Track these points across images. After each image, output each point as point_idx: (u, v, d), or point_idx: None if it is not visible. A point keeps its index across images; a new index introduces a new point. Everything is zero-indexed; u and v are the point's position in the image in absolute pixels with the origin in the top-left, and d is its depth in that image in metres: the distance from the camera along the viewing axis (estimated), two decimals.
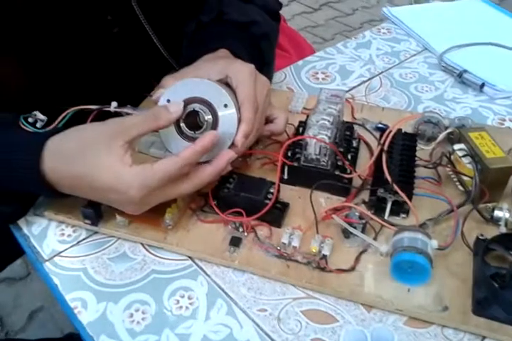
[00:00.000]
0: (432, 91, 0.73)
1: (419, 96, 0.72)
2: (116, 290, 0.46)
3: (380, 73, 0.77)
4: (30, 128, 0.48)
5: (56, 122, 0.50)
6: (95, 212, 0.49)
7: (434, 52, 0.81)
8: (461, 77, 0.75)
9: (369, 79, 0.75)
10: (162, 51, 0.67)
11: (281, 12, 0.75)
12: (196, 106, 0.47)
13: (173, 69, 0.70)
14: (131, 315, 0.44)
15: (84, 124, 0.46)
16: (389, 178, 0.48)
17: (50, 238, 0.51)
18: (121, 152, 0.42)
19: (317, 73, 0.76)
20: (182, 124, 0.47)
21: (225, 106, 0.46)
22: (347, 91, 0.72)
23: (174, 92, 0.47)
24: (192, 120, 0.47)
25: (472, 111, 0.70)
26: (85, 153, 0.42)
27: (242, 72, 0.48)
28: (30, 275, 1.37)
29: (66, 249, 0.49)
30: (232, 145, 0.47)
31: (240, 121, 0.47)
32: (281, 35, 1.07)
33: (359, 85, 0.74)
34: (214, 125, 0.47)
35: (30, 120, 0.50)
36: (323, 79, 0.75)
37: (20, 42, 0.55)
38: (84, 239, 0.50)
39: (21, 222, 0.52)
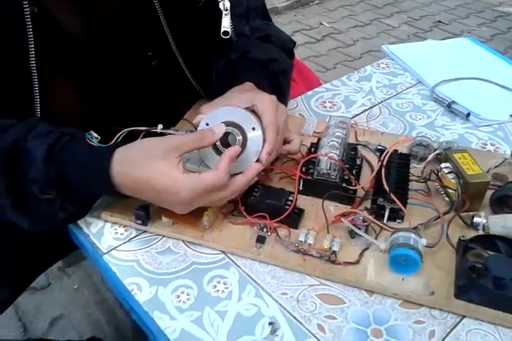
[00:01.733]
0: (425, 119, 0.85)
1: (413, 123, 0.84)
2: (165, 277, 0.56)
3: (380, 103, 0.88)
4: (95, 143, 0.59)
5: (114, 139, 0.61)
6: (146, 214, 0.60)
7: (427, 85, 0.93)
8: (449, 107, 0.87)
9: (370, 107, 0.87)
10: (192, 81, 0.79)
11: None
12: (229, 128, 0.58)
13: (200, 96, 0.82)
14: (178, 296, 0.54)
15: (147, 138, 0.57)
16: (387, 189, 0.59)
17: (106, 236, 0.61)
18: (176, 162, 0.53)
19: (325, 102, 0.88)
20: (218, 143, 0.58)
21: (253, 129, 0.58)
22: (351, 118, 0.83)
23: (212, 117, 0.59)
24: (226, 140, 0.58)
25: (459, 137, 0.81)
26: (147, 161, 0.53)
27: (266, 101, 0.60)
28: (51, 285, 1.46)
29: (120, 245, 0.60)
30: (258, 161, 0.58)
31: (264, 141, 0.58)
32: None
33: (361, 113, 0.85)
34: (243, 144, 0.58)
35: (89, 137, 0.61)
36: (330, 107, 0.86)
37: (78, 73, 0.67)
38: (134, 237, 0.61)
39: (81, 223, 0.63)
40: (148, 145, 0.55)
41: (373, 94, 0.91)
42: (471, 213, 0.63)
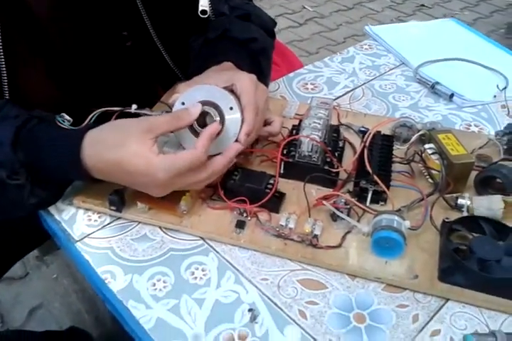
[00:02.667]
0: (408, 100, 0.83)
1: (396, 104, 0.82)
2: (140, 264, 0.54)
3: (363, 84, 0.86)
4: (66, 126, 0.56)
5: (86, 121, 0.58)
6: (120, 199, 0.57)
7: (410, 66, 0.92)
8: (433, 88, 0.85)
9: (352, 89, 0.85)
10: (169, 62, 0.76)
11: None
12: (206, 108, 0.55)
13: (178, 78, 0.79)
14: (154, 284, 0.52)
15: (120, 120, 0.54)
16: (370, 170, 0.58)
17: (79, 223, 0.58)
18: (150, 144, 0.50)
19: (307, 84, 0.85)
20: (195, 124, 0.55)
21: (231, 108, 0.55)
22: (334, 100, 0.81)
23: (188, 96, 0.56)
24: (203, 120, 0.55)
25: (442, 118, 0.79)
26: (120, 143, 0.50)
27: (245, 80, 0.57)
28: (29, 274, 1.42)
29: (94, 232, 0.57)
30: (236, 142, 0.56)
31: (242, 121, 0.55)
32: (274, 52, 1.18)
33: (344, 95, 0.83)
34: (221, 124, 0.55)
35: (60, 120, 0.58)
36: (312, 89, 0.84)
37: (47, 53, 0.64)
38: (108, 224, 0.59)
39: (52, 210, 0.60)
40: (121, 126, 0.53)
41: (356, 76, 0.88)
42: (455, 195, 0.61)
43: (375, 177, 0.58)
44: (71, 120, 0.58)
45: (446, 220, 0.58)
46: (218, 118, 0.54)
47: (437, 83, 0.85)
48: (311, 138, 0.59)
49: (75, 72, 0.66)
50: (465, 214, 0.59)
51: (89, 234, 0.57)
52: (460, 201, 0.60)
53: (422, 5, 3.34)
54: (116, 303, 0.50)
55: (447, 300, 0.52)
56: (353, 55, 0.95)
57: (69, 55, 0.64)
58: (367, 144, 0.61)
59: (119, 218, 0.59)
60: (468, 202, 0.60)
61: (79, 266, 0.55)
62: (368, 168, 0.58)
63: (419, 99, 0.84)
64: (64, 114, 0.58)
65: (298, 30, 3.02)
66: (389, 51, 0.96)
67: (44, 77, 0.65)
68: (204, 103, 0.54)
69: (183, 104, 0.55)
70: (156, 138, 0.51)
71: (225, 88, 0.57)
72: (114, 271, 0.53)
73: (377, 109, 0.80)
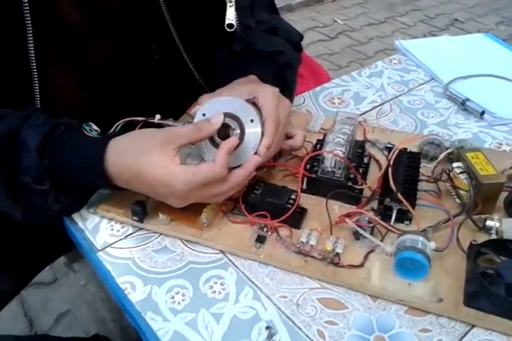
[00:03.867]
0: (437, 117, 0.82)
1: (425, 121, 0.80)
2: (160, 276, 0.54)
3: (390, 100, 0.85)
4: (92, 135, 0.57)
5: (111, 130, 0.59)
6: (142, 210, 0.57)
7: (440, 82, 0.90)
8: (463, 105, 0.83)
9: (380, 104, 0.84)
10: (196, 75, 0.77)
11: None
12: (227, 120, 0.55)
13: (204, 91, 0.80)
14: (173, 297, 0.52)
15: (143, 129, 0.55)
16: (394, 188, 0.57)
17: (102, 232, 0.59)
18: (172, 154, 0.50)
19: (333, 98, 0.85)
20: (215, 136, 0.55)
21: (251, 121, 0.55)
22: (360, 115, 0.80)
23: (209, 108, 0.56)
24: (223, 132, 0.55)
25: (473, 136, 0.78)
26: (143, 152, 0.51)
27: (268, 93, 0.57)
28: (58, 280, 1.45)
29: (116, 242, 0.58)
30: (256, 155, 0.56)
31: (263, 134, 0.55)
32: (301, 66, 1.18)
33: (371, 110, 0.82)
34: (241, 136, 0.55)
35: (87, 128, 0.59)
36: (338, 103, 0.83)
37: (77, 63, 0.65)
38: (130, 234, 0.59)
39: (76, 218, 0.61)
40: (144, 136, 0.53)
41: (384, 91, 0.87)
42: (483, 216, 0.59)
43: (400, 196, 0.57)
44: (98, 130, 0.59)
45: (474, 243, 0.56)
46: (238, 131, 0.54)
47: (468, 100, 0.83)
48: (334, 153, 0.58)
49: (105, 82, 0.67)
50: (493, 236, 0.57)
51: (111, 244, 0.58)
52: (489, 223, 0.58)
53: (456, 19, 3.30)
54: (135, 314, 0.51)
55: (473, 326, 0.50)
56: (381, 69, 0.94)
57: (99, 65, 0.66)
58: (391, 161, 0.60)
59: (141, 229, 0.59)
60: (498, 224, 0.58)
61: (100, 275, 0.56)
62: (393, 186, 0.57)
63: (449, 116, 0.82)
64: (91, 123, 0.59)
65: (328, 43, 3.02)
66: (419, 66, 0.95)
67: (74, 86, 0.66)
68: (225, 115, 0.54)
69: (203, 115, 0.55)
70: (177, 149, 0.51)
71: (248, 101, 0.57)
72: (134, 282, 0.53)
73: (404, 125, 0.79)
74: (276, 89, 0.59)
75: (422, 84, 0.91)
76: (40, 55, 0.59)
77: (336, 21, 3.28)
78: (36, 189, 0.53)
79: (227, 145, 0.52)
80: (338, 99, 0.85)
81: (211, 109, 0.55)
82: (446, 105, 0.85)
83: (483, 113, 0.81)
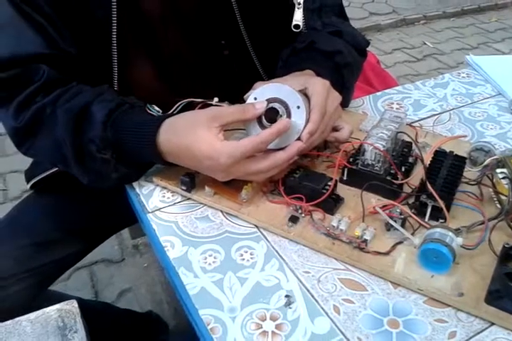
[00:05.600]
0: (497, 129, 0.81)
1: (483, 132, 0.80)
2: (197, 240, 0.59)
3: (451, 110, 0.86)
4: (154, 113, 0.64)
5: (171, 110, 0.66)
6: (190, 181, 0.63)
7: (507, 97, 0.89)
8: None
9: (439, 113, 0.85)
10: (260, 71, 0.82)
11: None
12: (275, 105, 0.59)
13: None
14: (205, 258, 0.57)
15: (192, 110, 0.61)
16: (428, 185, 0.58)
17: (155, 198, 0.66)
18: (216, 131, 0.56)
19: (392, 103, 0.87)
20: (263, 119, 0.60)
21: (298, 107, 0.59)
22: (416, 121, 0.82)
23: (260, 93, 0.61)
24: (271, 115, 0.60)
25: None
26: (190, 129, 0.57)
27: (317, 84, 0.62)
28: (125, 260, 1.57)
29: (165, 207, 0.64)
30: (299, 140, 0.59)
31: (308, 121, 0.59)
32: (372, 74, 1.20)
33: (429, 117, 0.83)
34: None
35: (150, 107, 0.66)
36: (397, 108, 0.85)
37: (155, 53, 0.73)
38: (179, 202, 0.65)
39: (135, 185, 0.68)
40: (193, 115, 0.59)
41: (446, 101, 0.88)
42: None
43: (433, 192, 0.58)
44: (160, 110, 0.66)
45: (507, 245, 0.55)
46: (285, 116, 0.59)
47: None
48: (375, 146, 0.61)
49: (177, 71, 0.75)
50: None
51: (160, 208, 0.64)
52: None
53: None
54: (170, 269, 0.56)
55: (492, 324, 0.50)
56: (447, 81, 0.94)
57: (173, 55, 0.74)
58: (428, 159, 0.62)
59: (188, 198, 0.65)
60: None
61: (147, 232, 0.62)
62: (427, 183, 0.58)
63: (510, 130, 0.81)
64: (154, 105, 0.66)
65: (415, 64, 2.98)
66: (487, 81, 0.94)
67: (149, 72, 0.74)
68: (273, 100, 0.59)
69: (255, 99, 0.60)
70: (221, 127, 0.57)
71: (300, 91, 0.61)
72: (174, 242, 0.59)
73: (461, 134, 0.79)
74: (327, 82, 0.63)
75: (488, 98, 0.90)
76: (122, 41, 0.67)
77: (425, 44, 3.24)
78: (99, 157, 0.61)
79: (278, 125, 0.57)
80: (397, 104, 0.87)
81: (262, 93, 0.60)
82: (509, 119, 0.84)
83: None
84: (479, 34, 3.42)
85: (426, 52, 3.13)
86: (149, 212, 0.63)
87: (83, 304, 0.58)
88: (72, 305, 0.56)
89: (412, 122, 0.81)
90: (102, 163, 0.62)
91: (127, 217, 0.72)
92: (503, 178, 0.61)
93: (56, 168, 0.81)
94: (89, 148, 0.61)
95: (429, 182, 0.60)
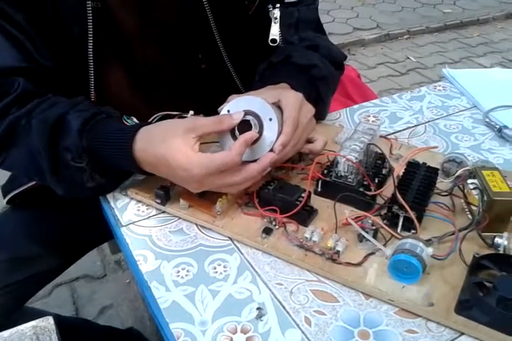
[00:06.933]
0: (471, 141, 0.82)
1: (457, 143, 0.81)
2: (171, 253, 0.59)
3: (427, 122, 0.87)
4: (130, 124, 0.65)
5: (148, 121, 0.66)
6: (165, 194, 0.64)
7: (482, 110, 0.90)
8: (500, 132, 0.83)
9: (415, 125, 0.86)
10: (238, 84, 0.83)
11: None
12: (248, 117, 0.60)
13: None
14: (178, 272, 0.57)
15: (169, 119, 0.62)
16: (398, 196, 0.59)
17: (129, 211, 0.66)
18: (192, 142, 0.56)
19: (369, 116, 0.88)
20: (236, 131, 0.60)
21: (270, 119, 0.60)
22: (392, 133, 0.83)
23: (234, 105, 0.62)
24: (244, 127, 0.60)
25: (504, 161, 0.77)
26: (166, 139, 0.57)
27: (291, 97, 0.63)
28: (107, 276, 1.56)
29: (139, 220, 0.64)
30: (271, 152, 0.60)
31: (280, 133, 0.60)
32: (352, 87, 1.22)
33: (404, 130, 0.84)
34: (259, 133, 0.60)
35: (126, 118, 0.66)
36: (373, 121, 0.86)
37: (131, 65, 0.74)
38: (154, 215, 0.65)
39: (110, 198, 0.68)
40: (169, 124, 0.60)
41: (422, 114, 0.89)
42: (494, 234, 0.60)
43: (404, 204, 0.58)
44: (137, 122, 0.66)
45: (476, 255, 0.56)
46: (258, 128, 0.59)
47: (505, 127, 0.83)
48: (347, 158, 0.62)
49: (154, 83, 0.76)
50: None
51: (134, 222, 0.64)
52: (497, 240, 0.58)
53: None
54: (142, 283, 0.56)
55: (462, 334, 0.51)
56: (424, 94, 0.96)
57: (150, 68, 0.74)
58: (399, 170, 0.63)
59: (163, 212, 0.65)
60: (506, 242, 0.58)
61: (121, 246, 0.62)
62: (397, 194, 0.59)
63: (483, 141, 0.82)
64: (133, 117, 0.66)
65: (398, 79, 3.03)
66: (462, 94, 0.96)
67: (126, 84, 0.75)
68: (247, 112, 0.59)
69: (228, 111, 0.61)
70: (198, 138, 0.57)
71: (274, 104, 0.62)
72: (147, 255, 0.59)
73: (434, 145, 0.80)
74: (300, 94, 0.64)
75: (463, 110, 0.91)
76: (98, 54, 0.68)
77: (408, 58, 3.30)
78: (74, 166, 0.61)
79: (245, 136, 0.58)
80: (373, 117, 0.88)
81: (235, 106, 0.61)
82: (483, 131, 0.85)
83: None
84: (461, 49, 3.49)
85: (409, 66, 3.18)
86: (123, 226, 0.63)
87: (61, 321, 0.58)
88: (48, 322, 0.55)
89: (388, 134, 0.82)
90: (77, 172, 0.62)
91: (105, 231, 0.72)
92: (474, 189, 0.62)
93: (33, 183, 0.80)
94: (65, 157, 0.61)
95: (400, 193, 0.60)
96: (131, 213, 0.65)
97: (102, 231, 0.88)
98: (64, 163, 0.61)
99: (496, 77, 1.04)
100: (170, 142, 0.57)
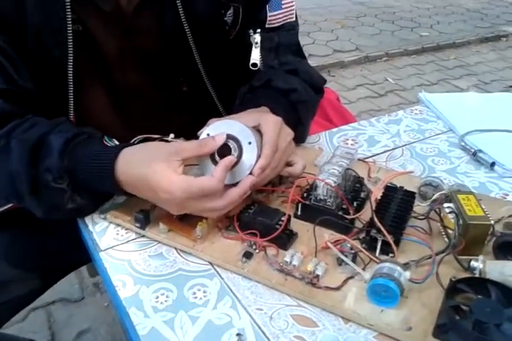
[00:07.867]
0: (447, 164, 0.84)
1: (433, 167, 0.83)
2: (150, 278, 0.59)
3: (404, 145, 0.89)
4: (111, 145, 0.65)
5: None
6: (145, 218, 0.63)
7: (457, 133, 0.93)
8: (475, 156, 0.85)
9: (392, 149, 0.88)
10: (219, 107, 0.84)
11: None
12: (228, 141, 0.61)
13: None
14: (157, 297, 0.56)
15: (153, 142, 0.62)
16: (376, 220, 0.60)
17: (108, 235, 0.65)
18: (176, 165, 0.57)
19: (348, 139, 0.90)
20: (216, 155, 0.61)
21: (249, 143, 0.60)
22: (370, 157, 0.84)
23: (213, 129, 0.62)
24: (223, 151, 0.61)
25: (479, 185, 0.79)
26: (149, 161, 0.57)
27: (270, 121, 0.64)
28: (84, 299, 1.52)
29: (118, 245, 0.64)
30: (250, 175, 0.61)
31: (259, 157, 0.61)
32: (331, 110, 1.24)
33: (382, 153, 0.86)
34: (238, 156, 0.61)
35: (107, 139, 0.66)
36: (351, 144, 0.88)
37: (112, 88, 0.75)
38: (133, 240, 0.65)
39: (89, 222, 0.67)
40: (153, 147, 0.60)
41: (399, 137, 0.91)
42: (471, 257, 0.61)
43: (382, 228, 0.59)
44: (118, 143, 0.67)
45: (453, 279, 0.57)
46: (237, 151, 0.60)
47: (480, 151, 0.86)
48: (326, 182, 0.62)
49: (135, 105, 0.76)
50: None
51: (113, 246, 0.63)
52: (473, 263, 0.59)
53: (511, 86, 3.30)
54: (121, 308, 0.55)
55: None
56: (400, 117, 0.98)
57: (131, 91, 0.75)
58: (377, 195, 0.64)
59: (142, 236, 0.65)
60: (481, 266, 0.59)
61: (99, 271, 0.61)
62: (374, 218, 0.60)
63: (459, 165, 0.84)
64: (115, 140, 0.67)
65: (377, 100, 3.09)
66: (438, 118, 0.99)
67: (106, 106, 0.75)
68: (226, 136, 0.60)
69: (208, 135, 0.62)
70: (181, 161, 0.57)
71: (254, 127, 0.63)
72: (126, 281, 0.58)
73: (412, 169, 0.82)
74: (280, 118, 0.65)
75: (439, 134, 0.94)
76: (78, 76, 0.69)
77: (387, 80, 3.37)
78: (54, 187, 0.60)
79: (225, 161, 0.58)
80: (352, 140, 0.89)
81: (215, 129, 0.62)
82: (459, 155, 0.87)
83: (493, 164, 0.83)
84: (439, 71, 3.59)
85: (388, 88, 3.26)
86: (102, 250, 0.63)
87: None
88: None
89: (366, 158, 0.83)
90: (58, 193, 0.62)
91: (83, 254, 0.71)
92: (450, 213, 0.63)
93: (10, 205, 0.79)
94: (45, 178, 0.61)
95: (378, 217, 0.61)
96: (109, 237, 0.65)
97: (80, 254, 0.87)
98: (44, 184, 0.61)
99: (471, 101, 1.07)
100: (154, 165, 0.57)
